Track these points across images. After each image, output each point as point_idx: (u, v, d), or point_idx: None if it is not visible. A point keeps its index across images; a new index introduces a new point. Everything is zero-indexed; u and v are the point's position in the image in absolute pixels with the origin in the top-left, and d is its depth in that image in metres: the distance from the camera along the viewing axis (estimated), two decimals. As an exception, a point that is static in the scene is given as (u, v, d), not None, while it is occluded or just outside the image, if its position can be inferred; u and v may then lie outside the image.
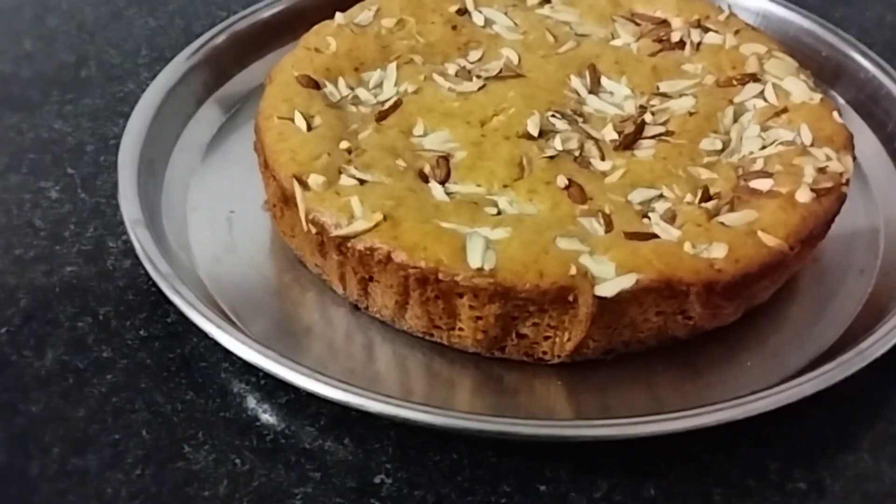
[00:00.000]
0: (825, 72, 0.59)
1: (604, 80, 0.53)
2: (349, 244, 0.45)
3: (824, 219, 0.47)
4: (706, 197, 0.46)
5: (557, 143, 0.49)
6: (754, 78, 0.52)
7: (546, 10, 0.57)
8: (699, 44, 0.54)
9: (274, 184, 0.48)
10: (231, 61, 0.58)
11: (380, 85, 0.52)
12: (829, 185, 0.47)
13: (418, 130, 0.49)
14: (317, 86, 0.51)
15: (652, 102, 0.51)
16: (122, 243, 0.51)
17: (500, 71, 0.52)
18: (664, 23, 0.56)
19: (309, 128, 0.48)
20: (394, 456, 0.43)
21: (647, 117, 0.50)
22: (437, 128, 0.49)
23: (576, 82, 0.52)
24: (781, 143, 0.49)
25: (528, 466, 0.43)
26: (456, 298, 0.44)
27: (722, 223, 0.45)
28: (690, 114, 0.51)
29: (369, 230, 0.44)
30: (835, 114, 0.50)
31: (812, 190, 0.46)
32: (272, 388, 0.45)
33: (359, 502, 0.41)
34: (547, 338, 0.45)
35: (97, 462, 0.42)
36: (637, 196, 0.47)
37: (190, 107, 0.56)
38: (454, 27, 0.55)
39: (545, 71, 0.53)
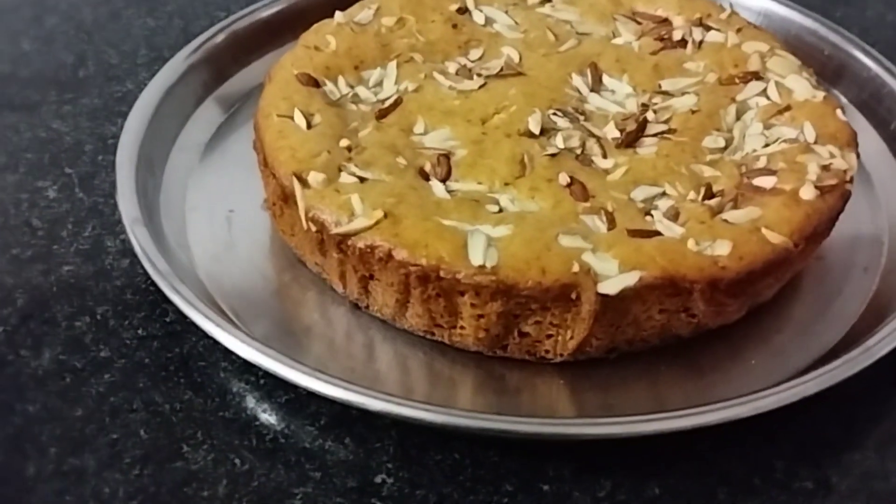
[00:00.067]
0: (827, 70, 0.58)
1: (605, 79, 0.53)
2: (349, 242, 0.44)
3: (828, 216, 0.46)
4: (709, 194, 0.46)
5: (559, 141, 0.48)
6: (757, 76, 0.52)
7: (547, 8, 0.57)
8: (701, 42, 0.54)
9: (273, 182, 0.48)
10: (230, 60, 0.58)
11: (380, 83, 0.52)
12: (833, 182, 0.46)
13: (419, 128, 0.49)
14: (316, 84, 0.51)
15: (654, 100, 0.51)
16: (121, 242, 0.50)
17: (501, 69, 0.52)
18: (665, 21, 0.56)
19: (309, 126, 0.48)
20: (395, 455, 0.42)
21: (650, 115, 0.50)
22: (437, 126, 0.49)
23: (577, 80, 0.52)
24: (785, 141, 0.49)
25: (531, 466, 0.42)
26: (457, 296, 0.43)
27: (725, 220, 0.45)
28: (693, 112, 0.50)
29: (370, 228, 0.44)
30: (838, 111, 0.50)
31: (816, 187, 0.46)
32: (272, 387, 0.44)
33: (360, 502, 0.41)
34: (549, 336, 0.44)
35: (95, 462, 0.42)
36: (639, 194, 0.46)
37: (189, 106, 0.55)
38: (454, 26, 0.55)
39: (546, 69, 0.53)
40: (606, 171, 0.47)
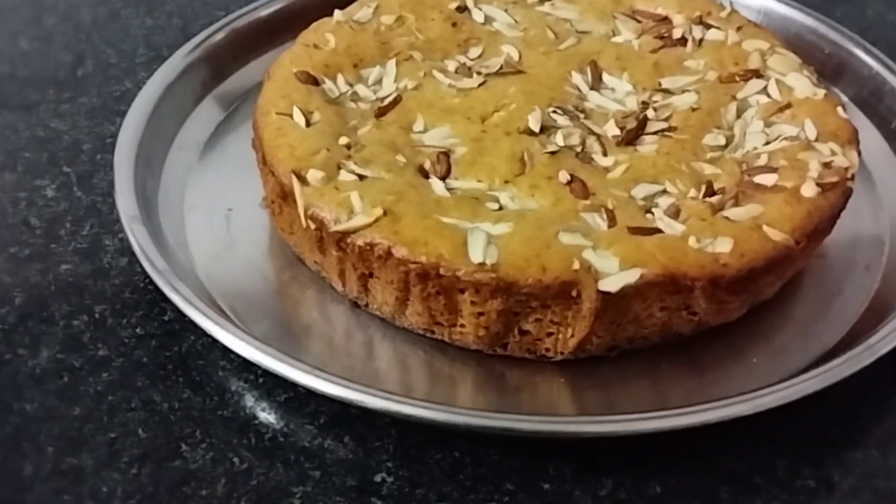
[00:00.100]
0: (827, 69, 0.58)
1: (605, 77, 0.52)
2: (349, 240, 0.44)
3: (830, 213, 0.46)
4: (710, 192, 0.46)
5: (559, 139, 0.48)
6: (757, 74, 0.52)
7: (546, 7, 0.56)
8: (701, 40, 0.54)
9: (272, 180, 0.47)
10: (230, 59, 0.58)
11: (379, 81, 0.52)
12: (834, 179, 0.46)
13: (418, 126, 0.49)
14: (315, 82, 0.50)
15: (654, 98, 0.51)
16: (119, 241, 0.50)
17: (501, 67, 0.52)
18: (665, 20, 0.55)
19: (308, 123, 0.48)
20: (395, 454, 0.42)
21: (650, 113, 0.50)
22: (437, 124, 0.49)
23: (577, 78, 0.52)
24: (785, 139, 0.48)
25: (532, 464, 0.42)
26: (457, 294, 0.43)
27: (727, 218, 0.45)
28: (693, 109, 0.50)
29: (369, 225, 0.44)
30: (839, 109, 0.50)
31: (817, 184, 0.46)
32: (271, 385, 0.44)
33: (359, 501, 0.41)
34: (550, 334, 0.44)
35: (93, 461, 0.41)
36: (640, 191, 0.46)
37: (188, 104, 0.55)
38: (454, 24, 0.55)
39: (546, 67, 0.52)
40: (607, 169, 0.47)
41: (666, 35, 0.54)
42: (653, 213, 0.45)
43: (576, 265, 0.42)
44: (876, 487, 0.42)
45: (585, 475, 0.42)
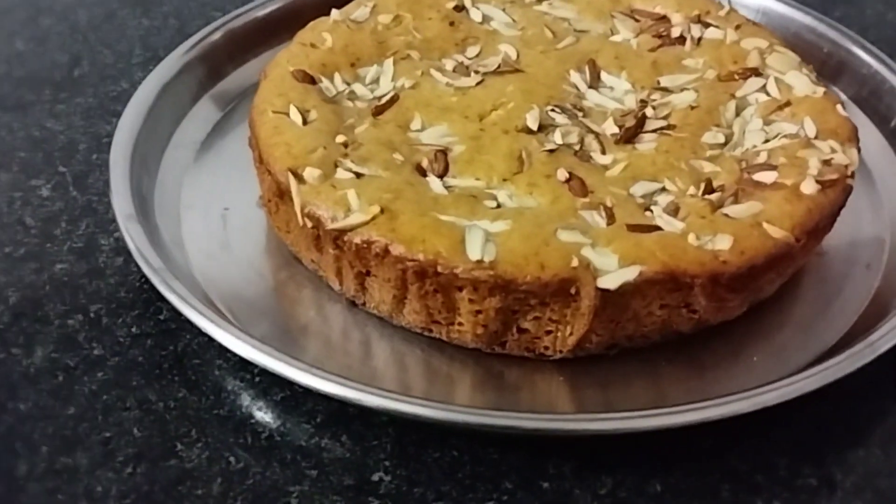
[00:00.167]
0: (827, 68, 0.58)
1: (603, 75, 0.52)
2: (346, 238, 0.44)
3: (830, 211, 0.46)
4: (709, 189, 0.46)
5: (557, 137, 0.48)
6: (756, 72, 0.52)
7: (544, 6, 0.56)
8: (700, 39, 0.54)
9: (269, 178, 0.47)
10: (226, 58, 0.57)
11: (376, 80, 0.51)
12: (834, 176, 0.46)
13: (416, 125, 0.49)
14: (312, 81, 0.50)
15: (653, 97, 0.51)
16: (114, 241, 0.50)
17: (499, 66, 0.52)
18: (664, 18, 0.55)
19: (304, 122, 0.48)
20: (392, 453, 0.42)
21: (648, 111, 0.50)
22: (434, 122, 0.49)
23: (575, 77, 0.52)
24: (785, 137, 0.48)
25: (531, 463, 0.42)
26: (455, 292, 0.43)
27: (726, 215, 0.44)
28: (692, 108, 0.50)
29: (366, 223, 0.43)
30: (838, 107, 0.50)
31: (817, 181, 0.45)
32: (267, 385, 0.44)
33: (356, 500, 0.40)
34: (548, 332, 0.44)
35: (87, 461, 0.41)
36: (639, 189, 0.46)
37: (184, 104, 0.55)
38: (451, 23, 0.55)
39: (544, 66, 0.52)
40: (605, 167, 0.47)
41: (664, 34, 0.54)
42: (652, 211, 0.45)
43: (574, 262, 0.42)
44: (878, 486, 0.42)
45: (585, 474, 0.41)
